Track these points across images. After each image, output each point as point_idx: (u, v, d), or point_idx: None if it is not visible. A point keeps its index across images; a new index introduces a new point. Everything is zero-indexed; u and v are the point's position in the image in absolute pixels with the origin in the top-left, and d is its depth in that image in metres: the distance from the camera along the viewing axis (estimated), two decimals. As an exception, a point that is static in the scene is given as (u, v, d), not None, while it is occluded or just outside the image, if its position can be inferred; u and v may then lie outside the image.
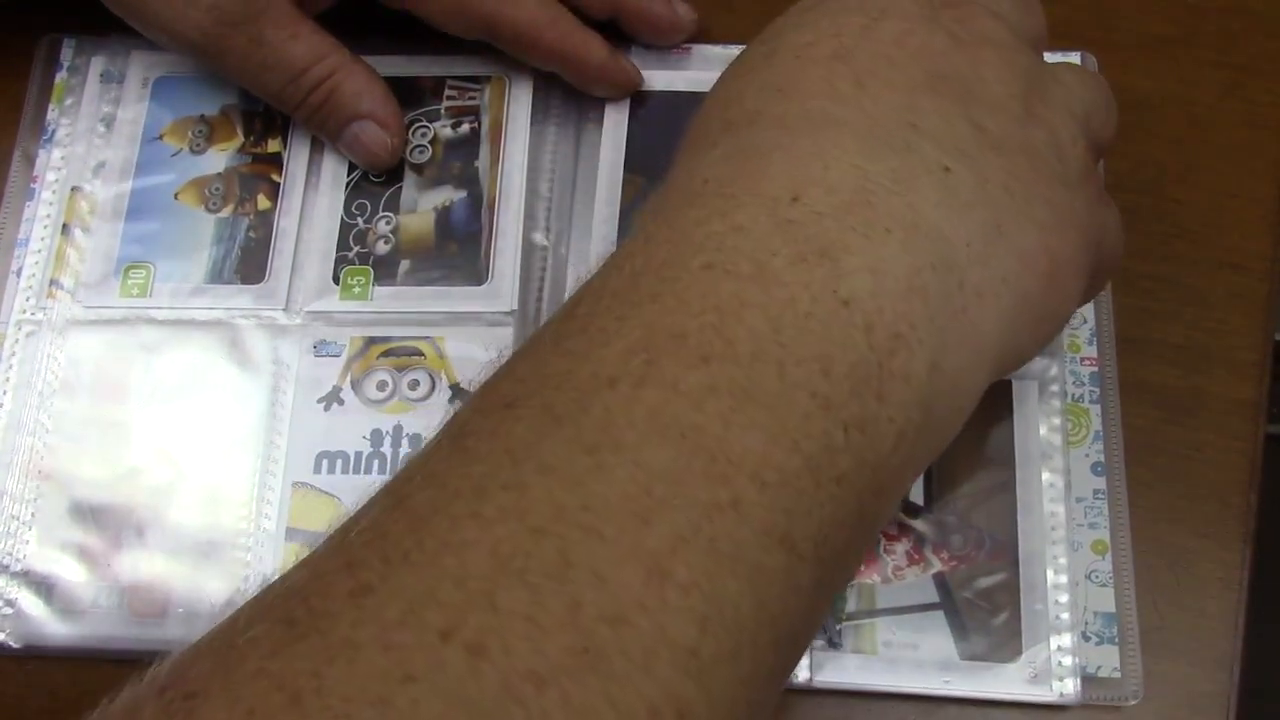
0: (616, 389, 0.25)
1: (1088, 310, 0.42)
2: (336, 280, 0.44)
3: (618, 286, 0.27)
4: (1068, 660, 0.39)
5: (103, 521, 0.42)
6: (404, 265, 0.44)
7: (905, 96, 0.30)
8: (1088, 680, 0.39)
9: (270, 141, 0.46)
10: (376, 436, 0.42)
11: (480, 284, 0.44)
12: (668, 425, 0.24)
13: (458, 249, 0.44)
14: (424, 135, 0.46)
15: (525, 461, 0.24)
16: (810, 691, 0.39)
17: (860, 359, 0.26)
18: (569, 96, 0.46)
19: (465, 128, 0.46)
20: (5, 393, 0.44)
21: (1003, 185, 0.29)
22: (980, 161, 0.29)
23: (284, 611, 0.23)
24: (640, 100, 0.46)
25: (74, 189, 0.46)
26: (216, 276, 0.44)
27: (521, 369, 0.27)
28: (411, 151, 0.46)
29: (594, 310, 0.27)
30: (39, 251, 0.45)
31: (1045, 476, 0.41)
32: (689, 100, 0.46)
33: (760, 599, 0.24)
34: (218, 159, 0.46)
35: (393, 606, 0.22)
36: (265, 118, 0.46)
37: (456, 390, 0.43)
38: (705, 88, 0.45)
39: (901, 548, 0.41)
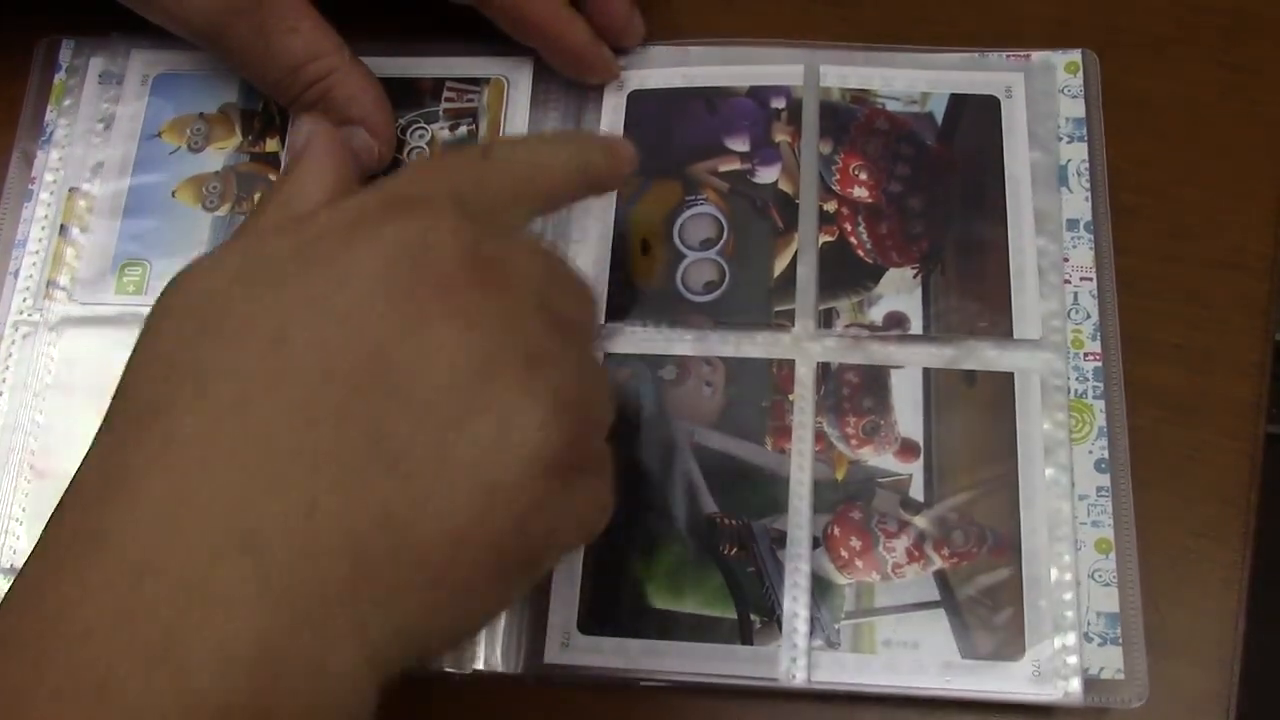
0: None
1: (1091, 306, 0.42)
2: (333, 280, 0.44)
3: None
4: (1072, 659, 0.38)
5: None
6: (401, 266, 0.44)
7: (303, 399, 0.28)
8: (1090, 682, 0.38)
9: (268, 141, 0.46)
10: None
11: (477, 287, 0.44)
12: None
13: (455, 250, 0.44)
14: (421, 137, 0.46)
15: None
16: (805, 696, 0.39)
17: None
18: (568, 98, 0.46)
19: (463, 130, 0.46)
20: (1, 394, 0.43)
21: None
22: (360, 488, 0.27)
23: None
24: (635, 98, 0.46)
25: (72, 189, 0.46)
26: (213, 275, 0.44)
27: None
28: (409, 153, 0.46)
29: None
30: (36, 253, 0.45)
31: (1049, 473, 0.40)
32: (684, 97, 0.46)
33: None
34: (216, 157, 0.46)
35: None
36: (264, 117, 0.46)
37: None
38: (700, 85, 0.46)
39: (901, 545, 0.40)
